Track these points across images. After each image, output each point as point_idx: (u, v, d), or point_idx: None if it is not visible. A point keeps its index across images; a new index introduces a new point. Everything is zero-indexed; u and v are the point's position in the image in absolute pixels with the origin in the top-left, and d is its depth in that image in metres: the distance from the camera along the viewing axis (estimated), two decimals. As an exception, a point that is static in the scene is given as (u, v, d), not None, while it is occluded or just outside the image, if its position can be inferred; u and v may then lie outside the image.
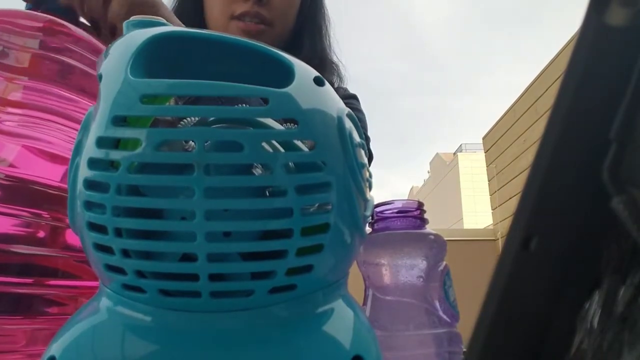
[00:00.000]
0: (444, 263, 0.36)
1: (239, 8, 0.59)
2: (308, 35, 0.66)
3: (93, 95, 0.37)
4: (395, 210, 0.37)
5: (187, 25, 0.32)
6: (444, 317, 0.35)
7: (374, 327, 0.24)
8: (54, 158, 0.34)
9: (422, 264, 0.35)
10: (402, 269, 0.35)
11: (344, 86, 0.73)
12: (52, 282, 0.34)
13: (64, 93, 0.35)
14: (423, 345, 0.33)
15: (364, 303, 0.36)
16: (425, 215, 0.38)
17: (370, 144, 0.73)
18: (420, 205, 0.38)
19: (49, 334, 0.32)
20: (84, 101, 0.36)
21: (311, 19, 0.67)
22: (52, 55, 0.35)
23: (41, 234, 0.33)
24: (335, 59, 0.70)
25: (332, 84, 0.68)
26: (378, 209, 0.38)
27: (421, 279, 0.35)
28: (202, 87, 0.20)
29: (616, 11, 0.13)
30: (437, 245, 0.36)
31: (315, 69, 0.23)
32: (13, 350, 0.31)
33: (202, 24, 0.64)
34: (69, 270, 0.35)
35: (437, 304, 0.35)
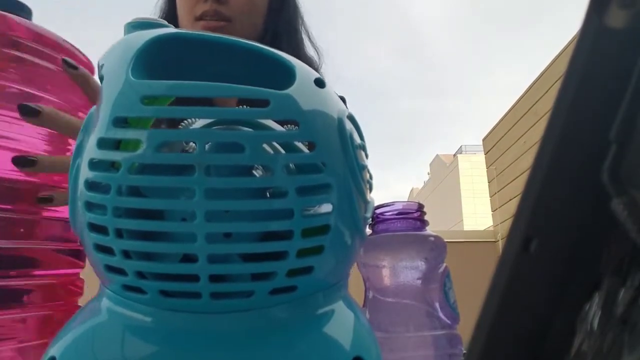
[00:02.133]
0: (444, 265, 0.36)
1: (200, 9, 0.62)
2: (285, 35, 0.67)
3: (44, 88, 0.37)
4: (396, 212, 0.37)
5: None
6: (444, 318, 0.35)
7: (374, 328, 0.24)
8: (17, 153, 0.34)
9: (422, 265, 0.35)
10: (402, 271, 0.35)
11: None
12: (35, 272, 0.35)
13: (21, 88, 0.35)
14: (423, 346, 0.33)
15: (364, 305, 0.36)
16: (425, 217, 0.38)
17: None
18: (420, 207, 0.38)
19: (37, 322, 0.33)
20: (37, 94, 0.36)
21: (285, 17, 0.68)
22: (5, 50, 0.35)
23: (16, 228, 0.34)
24: (310, 53, 0.70)
25: None
26: (378, 211, 0.38)
27: (421, 281, 0.35)
28: (202, 89, 0.20)
29: (616, 13, 0.13)
30: (437, 247, 0.36)
31: None
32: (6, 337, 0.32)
33: (177, 26, 0.66)
34: (48, 260, 0.36)
35: (437, 306, 0.35)
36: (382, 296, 0.35)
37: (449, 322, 0.35)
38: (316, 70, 0.70)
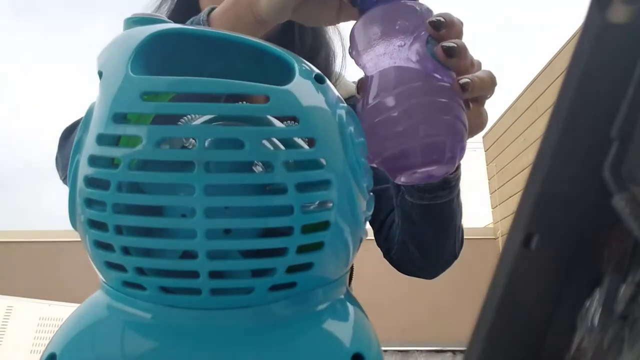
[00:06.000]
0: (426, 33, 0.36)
1: None
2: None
3: None
4: None
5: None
6: (438, 76, 0.34)
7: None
8: None
9: (408, 37, 0.35)
10: (392, 41, 0.34)
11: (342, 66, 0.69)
12: None
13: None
14: (428, 94, 0.33)
15: (369, 91, 0.35)
16: None
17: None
18: None
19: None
20: None
21: None
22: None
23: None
24: (329, 34, 0.67)
25: (327, 62, 0.64)
26: None
27: (407, 44, 0.34)
28: (202, 85, 0.20)
29: (618, 8, 0.13)
30: (424, 13, 0.36)
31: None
32: None
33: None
34: None
35: (430, 66, 0.34)
36: (380, 67, 0.34)
37: (442, 77, 0.34)
38: (334, 57, 0.66)
